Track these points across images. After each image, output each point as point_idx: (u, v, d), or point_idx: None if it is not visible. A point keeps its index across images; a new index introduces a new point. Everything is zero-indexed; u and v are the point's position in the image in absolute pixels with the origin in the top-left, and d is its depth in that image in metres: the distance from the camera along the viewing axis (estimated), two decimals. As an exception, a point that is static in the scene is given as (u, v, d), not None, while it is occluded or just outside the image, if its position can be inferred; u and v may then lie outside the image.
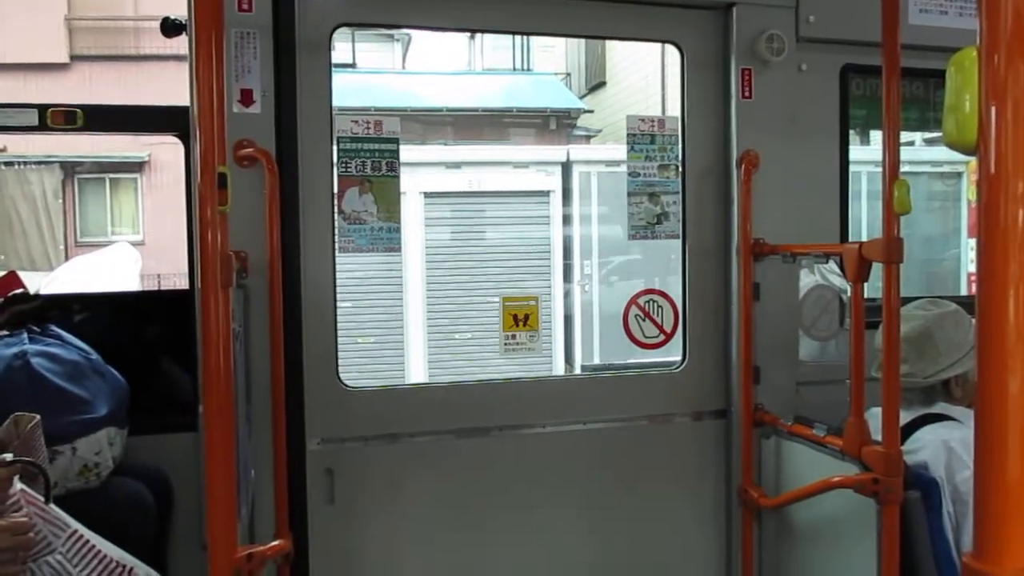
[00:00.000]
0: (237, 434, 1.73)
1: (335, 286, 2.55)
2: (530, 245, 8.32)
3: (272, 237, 2.29)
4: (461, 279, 8.02)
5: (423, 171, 8.12)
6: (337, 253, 2.53)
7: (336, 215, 2.51)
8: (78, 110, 2.54)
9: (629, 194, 2.82)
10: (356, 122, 2.52)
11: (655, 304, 2.86)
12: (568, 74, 15.92)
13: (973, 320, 2.45)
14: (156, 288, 12.49)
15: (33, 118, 2.52)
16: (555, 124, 13.42)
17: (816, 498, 2.48)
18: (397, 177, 2.56)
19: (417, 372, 7.89)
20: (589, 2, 2.72)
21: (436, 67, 14.47)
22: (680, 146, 2.84)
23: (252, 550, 1.82)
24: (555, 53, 15.83)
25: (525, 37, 13.53)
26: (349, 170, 2.52)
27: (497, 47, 15.67)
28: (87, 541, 1.78)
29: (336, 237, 2.52)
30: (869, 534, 2.26)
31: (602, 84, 14.98)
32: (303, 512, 2.40)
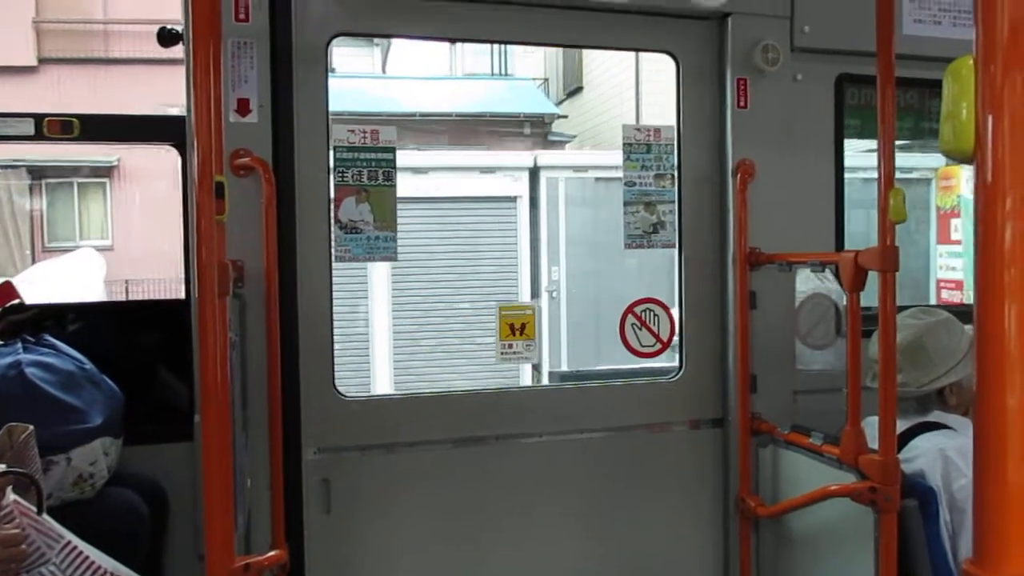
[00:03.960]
0: (234, 444, 1.73)
1: (331, 295, 2.54)
2: (497, 251, 8.26)
3: (268, 246, 2.29)
4: (427, 286, 7.95)
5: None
6: (333, 262, 2.53)
7: (332, 224, 2.51)
8: (74, 120, 2.54)
9: (625, 203, 2.82)
10: (353, 131, 2.52)
11: (651, 313, 2.86)
12: (546, 79, 15.93)
13: (966, 328, 2.47)
14: (124, 293, 12.36)
15: (29, 128, 2.51)
16: (529, 129, 13.41)
17: (813, 507, 2.47)
18: (394, 186, 2.56)
19: (382, 380, 7.83)
20: (585, 12, 2.72)
21: (416, 72, 14.38)
22: (676, 155, 2.84)
23: (249, 560, 1.82)
24: (534, 58, 15.85)
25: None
26: (345, 179, 2.52)
27: (477, 51, 15.69)
28: (81, 552, 1.77)
29: (332, 246, 2.52)
30: (866, 542, 2.25)
31: (579, 89, 14.98)
32: (299, 522, 2.39)
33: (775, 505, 2.70)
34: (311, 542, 2.44)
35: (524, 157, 8.87)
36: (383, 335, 7.85)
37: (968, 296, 8.40)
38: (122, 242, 14.80)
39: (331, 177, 2.51)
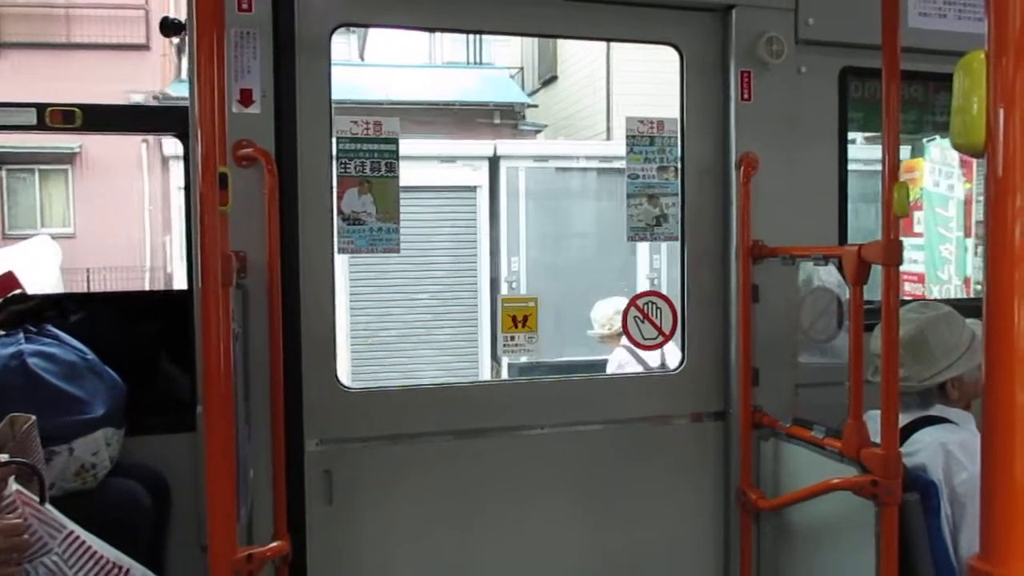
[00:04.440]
0: (236, 434, 1.73)
1: (334, 286, 2.54)
2: (456, 242, 8.14)
3: (271, 237, 2.28)
4: (385, 277, 7.83)
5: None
6: (336, 254, 2.53)
7: (335, 215, 2.51)
8: (76, 109, 2.53)
9: (628, 196, 2.82)
10: (356, 122, 2.51)
11: (654, 306, 2.86)
12: (521, 69, 15.86)
13: (967, 322, 2.46)
14: (85, 281, 12.20)
15: (32, 117, 2.50)
16: (499, 118, 13.34)
17: (815, 500, 2.48)
18: (396, 177, 2.55)
19: (341, 373, 7.73)
20: (588, 4, 2.71)
21: (391, 60, 14.19)
22: (679, 148, 2.83)
23: (251, 551, 1.82)
24: (511, 47, 15.77)
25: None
26: (348, 170, 2.51)
27: (455, 40, 15.60)
28: (83, 542, 1.77)
29: (335, 237, 2.51)
30: (868, 536, 2.26)
31: (554, 78, 14.89)
32: (301, 513, 2.40)
33: (776, 498, 2.71)
34: (313, 533, 2.45)
35: (484, 146, 8.69)
36: (340, 328, 7.76)
37: (930, 290, 8.44)
38: (85, 230, 14.59)
39: (334, 168, 2.51)
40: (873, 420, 2.28)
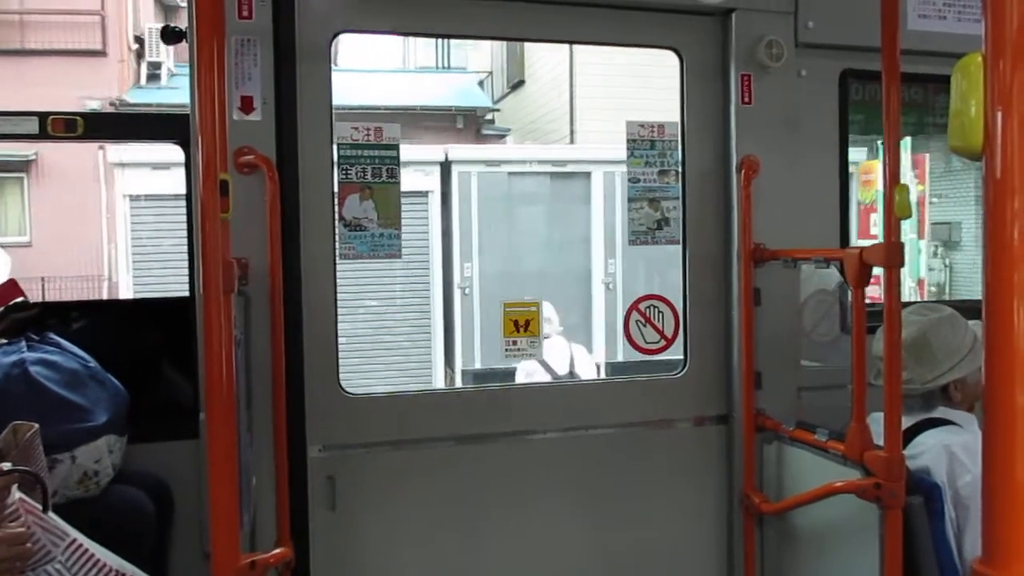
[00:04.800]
0: (239, 441, 1.73)
1: (336, 293, 2.54)
2: (408, 247, 8.05)
3: (273, 244, 2.28)
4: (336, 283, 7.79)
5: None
6: (338, 260, 2.53)
7: (337, 222, 2.51)
8: (78, 118, 2.54)
9: (629, 200, 2.82)
10: (356, 128, 2.52)
11: (656, 310, 2.86)
12: (490, 73, 15.81)
13: (969, 323, 2.46)
14: (40, 291, 12.08)
15: (34, 126, 2.51)
16: (462, 123, 13.28)
17: (818, 503, 2.47)
18: (398, 183, 2.56)
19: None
20: (588, 9, 2.72)
21: (362, 64, 14.10)
22: (680, 151, 2.84)
23: (254, 558, 1.82)
24: (481, 52, 15.72)
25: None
26: (349, 177, 2.52)
27: (427, 44, 15.51)
28: (86, 550, 1.77)
29: (337, 244, 2.52)
30: (871, 539, 2.25)
31: (521, 83, 14.79)
32: (305, 519, 2.40)
33: (780, 502, 2.70)
34: (316, 539, 2.45)
35: (435, 151, 8.57)
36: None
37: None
38: (41, 239, 14.22)
39: (335, 174, 2.51)
40: (876, 423, 2.27)
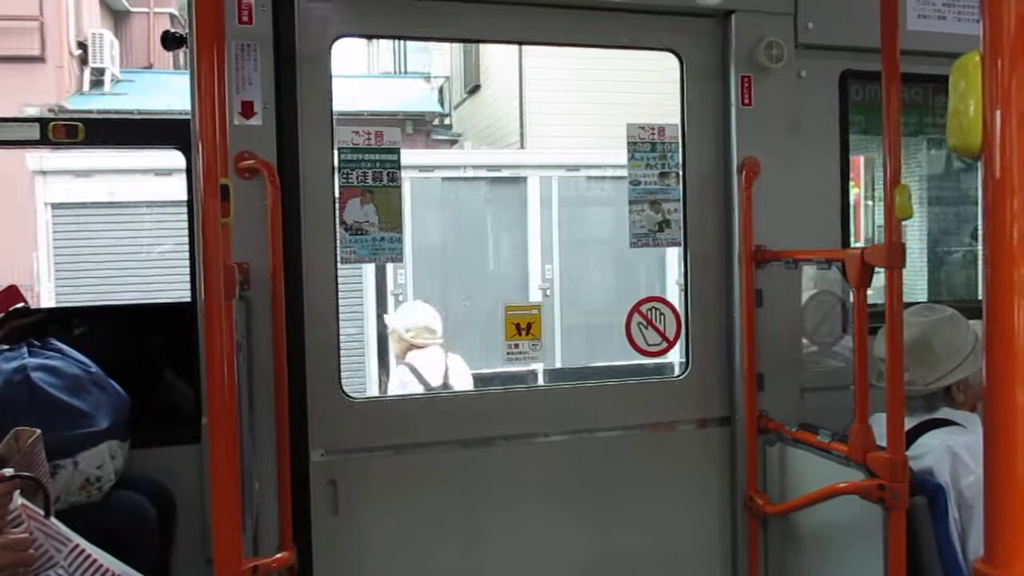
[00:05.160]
0: (241, 446, 1.73)
1: (337, 297, 2.55)
2: None
3: (274, 248, 2.29)
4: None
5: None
6: (339, 264, 2.53)
7: (337, 226, 2.51)
8: (79, 124, 2.54)
9: (630, 202, 2.82)
10: (357, 133, 2.52)
11: (657, 312, 2.86)
12: (447, 78, 15.71)
13: (971, 324, 2.45)
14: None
15: (35, 132, 2.52)
16: (411, 128, 13.18)
17: (822, 505, 2.47)
18: (398, 187, 2.56)
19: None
20: (589, 11, 2.72)
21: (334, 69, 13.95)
22: (680, 153, 2.84)
23: (257, 563, 1.82)
24: (439, 56, 15.60)
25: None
26: (350, 181, 2.52)
27: (387, 48, 15.34)
28: (89, 555, 1.77)
29: (338, 248, 2.52)
30: (875, 540, 2.25)
31: (477, 87, 14.61)
32: (307, 524, 2.40)
33: (783, 503, 2.70)
34: (319, 544, 2.45)
35: None
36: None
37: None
38: None
39: (336, 179, 2.51)
40: (879, 424, 2.27)
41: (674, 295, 8.34)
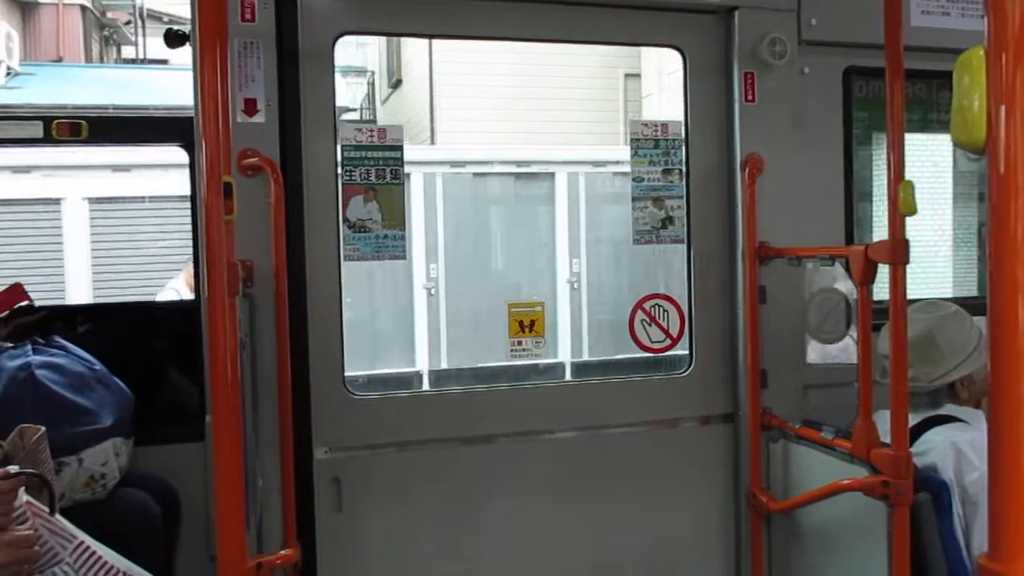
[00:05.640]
0: (244, 443, 1.73)
1: (341, 294, 2.55)
2: (174, 253, 7.19)
3: (277, 246, 2.29)
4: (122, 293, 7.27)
5: (88, 175, 7.34)
6: (342, 261, 2.53)
7: (341, 223, 2.52)
8: (82, 121, 2.55)
9: (633, 199, 2.82)
10: (360, 130, 2.52)
11: (661, 308, 2.86)
12: (372, 72, 15.56)
13: (974, 320, 2.45)
14: None
15: (38, 130, 2.52)
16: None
17: (825, 501, 2.47)
18: (401, 184, 2.56)
19: None
20: (591, 9, 2.72)
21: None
22: (684, 150, 2.83)
23: (261, 560, 1.82)
24: (369, 50, 15.42)
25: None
26: (353, 178, 2.52)
27: None
28: (93, 552, 1.78)
29: (341, 245, 2.52)
30: (879, 537, 2.24)
31: (400, 82, 14.42)
32: (311, 521, 2.40)
33: (786, 500, 2.70)
34: (322, 541, 2.45)
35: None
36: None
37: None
38: None
39: (339, 176, 2.51)
40: (883, 420, 2.26)
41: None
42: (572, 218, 8.68)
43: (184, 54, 2.41)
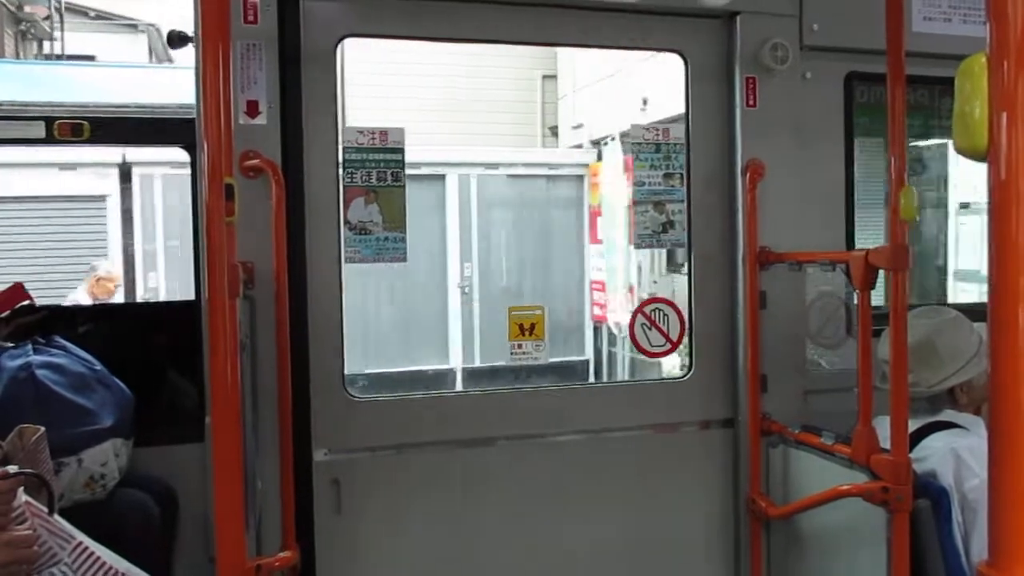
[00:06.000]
0: (244, 445, 1.73)
1: (341, 296, 2.55)
2: (81, 256, 7.15)
3: (278, 248, 2.29)
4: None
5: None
6: (343, 263, 2.53)
7: (342, 225, 2.52)
8: (84, 122, 2.55)
9: (635, 203, 2.82)
10: (362, 132, 2.53)
11: (661, 313, 2.85)
12: None
13: (974, 326, 2.45)
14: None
15: (40, 130, 2.52)
16: None
17: (825, 507, 2.46)
18: (403, 187, 2.56)
19: None
20: (594, 13, 2.72)
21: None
22: (685, 155, 2.83)
23: (260, 561, 1.83)
24: None
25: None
26: (354, 180, 2.52)
27: None
28: (92, 552, 1.77)
29: (342, 247, 2.52)
30: (879, 543, 2.24)
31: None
32: (310, 523, 2.40)
33: (786, 505, 2.69)
34: (321, 543, 2.45)
35: (111, 152, 7.35)
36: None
37: (615, 299, 8.26)
38: None
39: (340, 178, 2.51)
40: (882, 426, 2.26)
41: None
42: (463, 221, 8.64)
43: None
